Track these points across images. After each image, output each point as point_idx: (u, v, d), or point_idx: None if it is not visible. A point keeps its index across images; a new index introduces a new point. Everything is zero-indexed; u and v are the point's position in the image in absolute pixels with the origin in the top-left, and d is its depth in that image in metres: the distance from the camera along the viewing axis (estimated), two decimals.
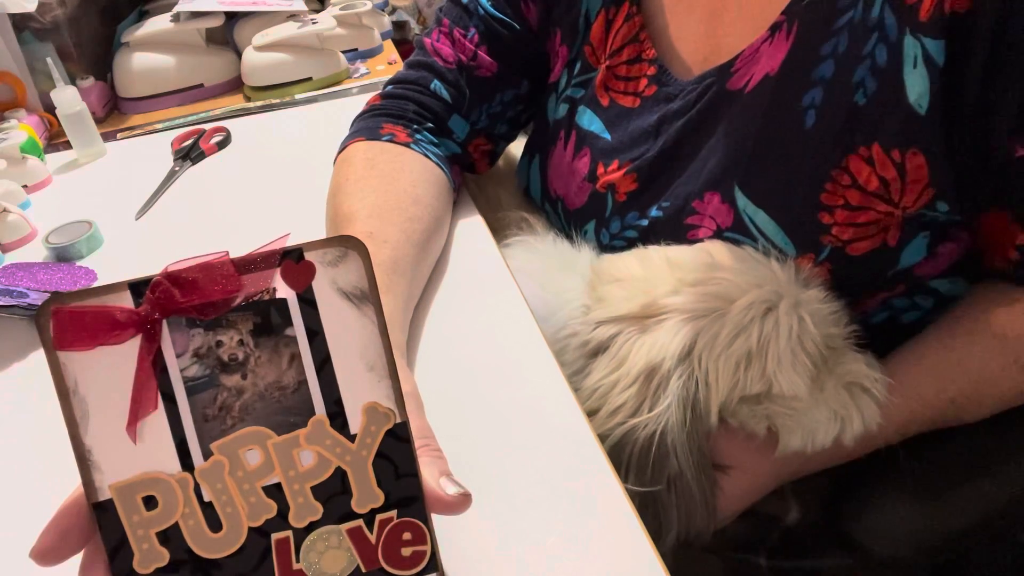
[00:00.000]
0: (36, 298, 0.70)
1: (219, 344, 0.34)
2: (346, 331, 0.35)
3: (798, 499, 0.68)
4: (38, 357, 0.67)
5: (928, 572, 0.66)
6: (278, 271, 0.33)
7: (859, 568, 0.66)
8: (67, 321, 0.32)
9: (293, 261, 0.34)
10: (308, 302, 0.34)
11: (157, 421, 0.33)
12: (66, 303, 0.32)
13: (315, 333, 0.34)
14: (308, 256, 0.34)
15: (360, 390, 0.35)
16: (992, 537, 0.64)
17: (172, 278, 0.32)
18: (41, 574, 0.35)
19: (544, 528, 0.45)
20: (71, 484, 0.34)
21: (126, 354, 0.33)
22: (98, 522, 0.33)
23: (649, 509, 0.56)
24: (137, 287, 0.32)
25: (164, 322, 0.33)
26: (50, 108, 1.06)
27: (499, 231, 0.76)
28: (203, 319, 0.33)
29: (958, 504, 0.63)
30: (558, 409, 0.53)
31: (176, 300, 0.32)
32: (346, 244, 0.34)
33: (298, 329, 0.34)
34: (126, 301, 0.32)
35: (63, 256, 0.81)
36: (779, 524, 0.69)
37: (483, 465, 0.49)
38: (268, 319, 0.34)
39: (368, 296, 0.34)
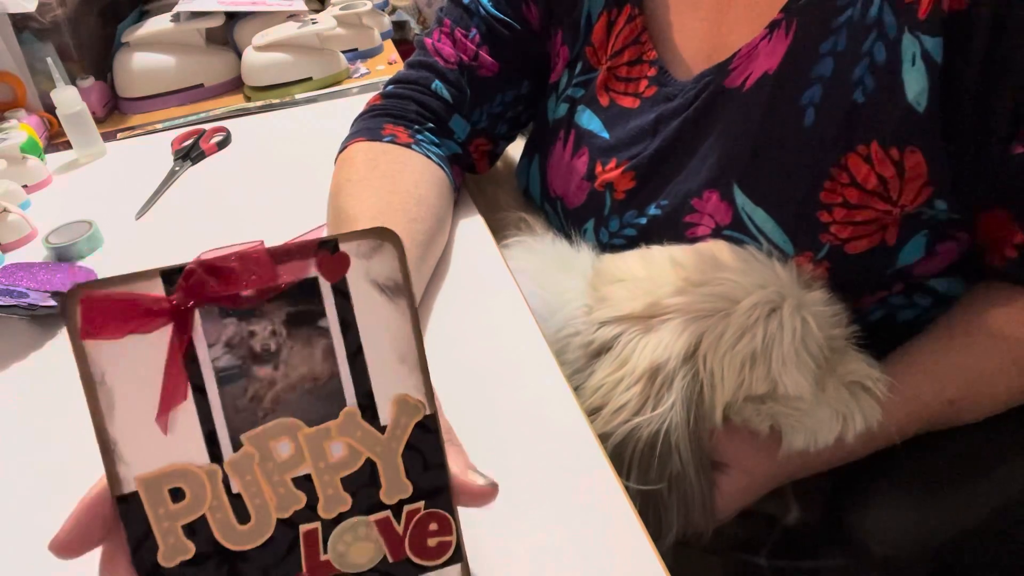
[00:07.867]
0: (36, 298, 0.70)
1: (251, 334, 0.33)
2: (379, 323, 0.34)
3: (798, 499, 0.68)
4: (38, 357, 0.67)
5: (928, 572, 0.66)
6: (313, 262, 0.33)
7: (859, 568, 0.66)
8: (96, 309, 0.31)
9: (328, 252, 0.33)
10: (342, 293, 0.34)
11: (186, 412, 0.33)
12: (94, 290, 0.31)
13: (348, 324, 0.34)
14: (343, 247, 0.33)
15: (391, 382, 0.35)
16: (992, 537, 0.64)
17: (206, 266, 0.32)
18: (44, 569, 0.34)
19: (544, 528, 0.45)
20: (70, 484, 0.34)
21: (155, 344, 0.32)
22: (121, 515, 0.33)
23: (650, 508, 0.56)
24: (169, 275, 0.32)
25: (196, 311, 0.32)
26: (50, 108, 1.06)
27: (498, 231, 0.76)
28: (236, 309, 0.33)
29: (958, 504, 0.63)
30: (558, 409, 0.53)
31: (210, 289, 0.32)
32: (381, 236, 0.34)
33: (331, 320, 0.34)
34: (157, 289, 0.32)
35: (63, 256, 0.81)
36: (779, 524, 0.69)
37: (483, 465, 0.48)
38: (302, 310, 0.33)
39: (402, 288, 0.34)
